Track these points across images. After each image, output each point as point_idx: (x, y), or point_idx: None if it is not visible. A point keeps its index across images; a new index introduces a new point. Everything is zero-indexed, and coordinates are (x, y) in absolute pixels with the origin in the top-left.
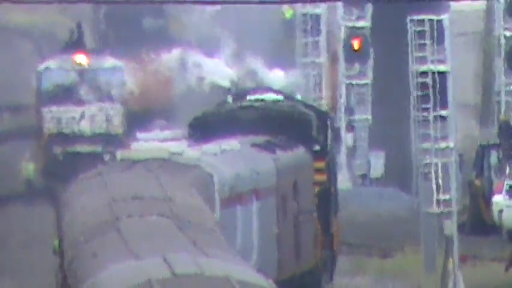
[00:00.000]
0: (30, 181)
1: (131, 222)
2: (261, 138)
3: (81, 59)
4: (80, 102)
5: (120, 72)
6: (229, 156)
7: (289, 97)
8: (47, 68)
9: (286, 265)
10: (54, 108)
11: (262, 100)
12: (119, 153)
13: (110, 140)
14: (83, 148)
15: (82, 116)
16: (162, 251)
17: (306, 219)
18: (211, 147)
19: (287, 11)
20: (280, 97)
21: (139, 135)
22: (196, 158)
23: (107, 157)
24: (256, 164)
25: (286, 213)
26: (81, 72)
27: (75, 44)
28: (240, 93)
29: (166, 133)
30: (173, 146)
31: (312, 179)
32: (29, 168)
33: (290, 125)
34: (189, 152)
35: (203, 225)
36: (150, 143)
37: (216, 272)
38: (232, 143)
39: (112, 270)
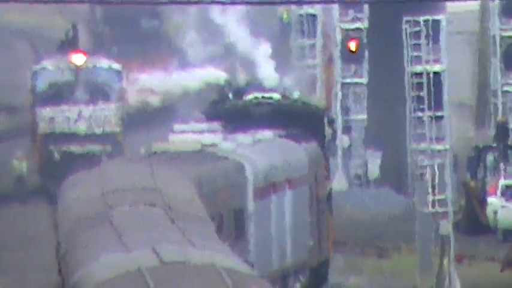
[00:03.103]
0: (22, 180)
1: (123, 213)
2: (289, 130)
3: (76, 59)
4: (75, 102)
5: (116, 72)
6: (263, 147)
7: (286, 95)
8: (42, 68)
9: (315, 252)
10: (49, 108)
11: (270, 98)
12: (154, 145)
13: (106, 140)
14: (78, 148)
15: (78, 116)
16: (152, 242)
17: (323, 210)
18: (246, 138)
19: (284, 13)
20: (278, 95)
21: (176, 127)
22: (231, 149)
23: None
24: (289, 154)
25: (313, 202)
26: (77, 72)
27: (70, 44)
28: (239, 91)
29: (202, 125)
30: (208, 138)
31: (324, 172)
32: (21, 167)
33: (301, 121)
34: (224, 143)
35: (193, 215)
36: (186, 135)
37: (202, 260)
38: (265, 133)
39: (103, 261)
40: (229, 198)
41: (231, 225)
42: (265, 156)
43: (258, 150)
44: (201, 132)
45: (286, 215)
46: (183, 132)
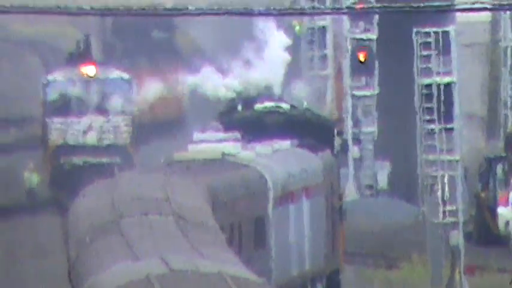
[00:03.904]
0: (32, 192)
1: (133, 223)
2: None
3: (87, 70)
4: (86, 113)
5: (127, 83)
6: (281, 156)
7: (294, 106)
8: (53, 79)
9: (330, 260)
10: (60, 119)
11: (279, 107)
12: (176, 155)
13: (116, 151)
14: (89, 159)
15: (89, 128)
16: (161, 251)
17: (336, 220)
18: (264, 147)
19: (296, 26)
20: (287, 105)
21: (195, 136)
22: (251, 158)
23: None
24: (306, 163)
25: (328, 210)
26: (88, 83)
27: (81, 56)
28: (248, 102)
29: (221, 135)
30: (229, 147)
31: (338, 182)
32: (32, 178)
33: (311, 131)
34: (244, 152)
35: (203, 225)
36: (205, 144)
37: (210, 269)
38: (282, 143)
39: (113, 269)
40: (249, 207)
41: (252, 234)
42: (283, 165)
43: (276, 160)
44: (220, 141)
45: (303, 223)
46: (202, 141)
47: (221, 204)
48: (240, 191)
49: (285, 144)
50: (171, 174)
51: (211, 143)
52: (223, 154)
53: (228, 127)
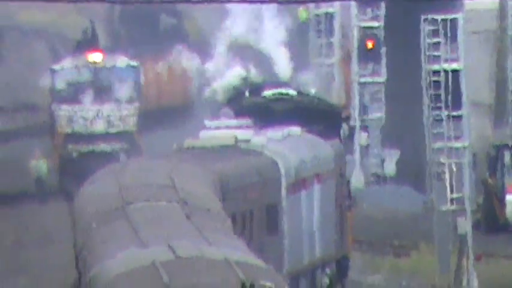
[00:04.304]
0: (41, 179)
1: (139, 209)
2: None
3: (95, 57)
4: (94, 101)
5: (134, 71)
6: (293, 142)
7: (301, 92)
8: (60, 67)
9: (339, 246)
10: (67, 107)
11: (287, 94)
12: (186, 141)
13: (124, 139)
14: (96, 147)
15: (96, 115)
16: (167, 237)
17: (345, 206)
18: (275, 133)
19: (302, 13)
20: (294, 92)
21: (207, 123)
22: (263, 144)
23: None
24: (317, 149)
25: (338, 197)
26: (95, 71)
27: (89, 43)
28: (255, 88)
29: (233, 121)
30: (242, 133)
31: (345, 169)
32: (40, 167)
33: (319, 117)
34: (257, 139)
35: (209, 211)
36: (218, 130)
37: (216, 255)
38: (293, 129)
39: (119, 256)
40: (262, 194)
41: (264, 221)
42: (295, 152)
43: (288, 146)
44: (232, 127)
45: (314, 209)
46: (213, 128)
47: (233, 191)
48: (252, 178)
49: (296, 130)
50: (180, 160)
51: (222, 129)
52: (237, 140)
53: (236, 113)
